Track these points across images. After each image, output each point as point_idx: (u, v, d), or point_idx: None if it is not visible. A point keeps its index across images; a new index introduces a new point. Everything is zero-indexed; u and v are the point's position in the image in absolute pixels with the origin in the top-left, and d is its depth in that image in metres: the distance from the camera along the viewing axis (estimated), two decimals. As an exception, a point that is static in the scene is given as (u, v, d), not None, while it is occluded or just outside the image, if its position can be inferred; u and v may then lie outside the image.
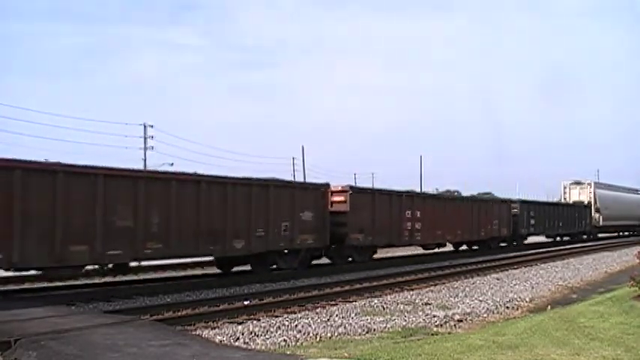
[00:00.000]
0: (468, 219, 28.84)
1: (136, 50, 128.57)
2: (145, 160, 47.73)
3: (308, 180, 51.50)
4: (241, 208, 16.88)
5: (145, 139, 48.77)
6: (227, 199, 16.54)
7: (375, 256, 23.44)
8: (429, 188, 56.90)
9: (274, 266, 18.56)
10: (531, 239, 37.61)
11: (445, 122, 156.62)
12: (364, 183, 64.77)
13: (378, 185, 40.27)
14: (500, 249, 32.13)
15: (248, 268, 18.49)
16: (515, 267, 23.08)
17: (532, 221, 35.76)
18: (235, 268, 18.85)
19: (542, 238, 39.95)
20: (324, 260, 21.63)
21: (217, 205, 16.21)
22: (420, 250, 28.03)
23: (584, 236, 44.32)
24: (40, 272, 14.23)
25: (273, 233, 17.86)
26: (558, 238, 41.75)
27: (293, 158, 62.40)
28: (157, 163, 45.16)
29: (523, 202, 35.75)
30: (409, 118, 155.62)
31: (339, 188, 21.05)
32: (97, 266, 14.83)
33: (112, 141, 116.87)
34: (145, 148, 48.73)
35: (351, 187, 21.66)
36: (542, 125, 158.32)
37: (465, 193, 36.30)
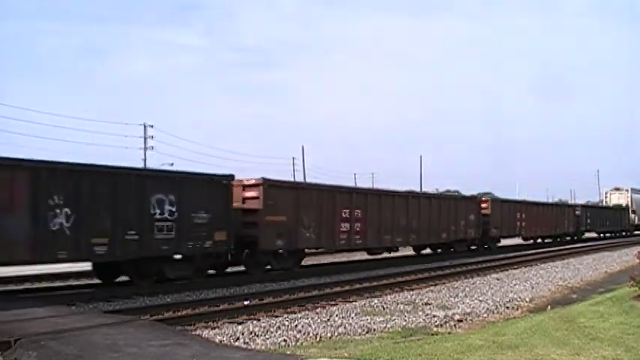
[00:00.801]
0: (550, 219, 39.33)
1: (136, 50, 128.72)
2: (144, 160, 47.74)
3: (308, 180, 51.69)
4: (445, 213, 27.12)
5: (145, 139, 48.71)
6: (440, 208, 26.97)
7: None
8: (429, 188, 57.29)
9: (451, 249, 28.70)
10: (586, 235, 47.53)
11: (445, 122, 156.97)
12: (364, 183, 65.23)
13: (377, 185, 41.71)
14: (567, 242, 40.98)
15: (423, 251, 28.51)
16: (515, 267, 23.08)
17: (588, 220, 46.26)
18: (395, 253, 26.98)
19: (593, 234, 49.47)
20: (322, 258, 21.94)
21: (434, 211, 26.30)
22: (519, 241, 37.73)
23: (623, 233, 54.10)
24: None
25: (458, 229, 28.20)
26: (602, 235, 51.28)
27: (293, 158, 62.48)
28: (157, 163, 45.19)
29: (583, 206, 48.71)
30: (409, 118, 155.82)
31: (484, 199, 32.70)
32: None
33: (112, 141, 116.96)
34: (145, 148, 48.69)
35: (492, 198, 33.92)
36: (542, 125, 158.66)
37: (465, 193, 37.35)
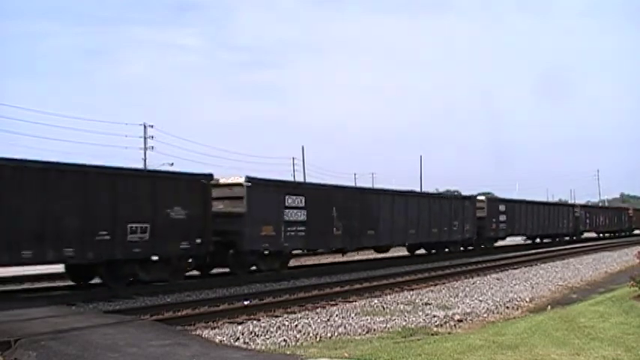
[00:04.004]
0: (612, 219, 51.98)
1: (136, 50, 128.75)
2: (145, 160, 47.68)
3: (308, 180, 51.58)
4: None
5: (145, 139, 48.62)
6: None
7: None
8: (430, 188, 57.25)
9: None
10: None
11: (445, 123, 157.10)
12: (364, 183, 65.27)
13: (377, 185, 41.81)
14: (623, 237, 51.25)
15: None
16: (515, 267, 23.07)
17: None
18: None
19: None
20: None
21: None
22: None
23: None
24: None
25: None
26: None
27: (293, 158, 62.37)
28: (157, 163, 45.13)
29: (635, 210, 60.76)
30: (409, 118, 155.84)
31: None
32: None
33: (112, 141, 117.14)
34: (145, 148, 48.61)
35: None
36: (542, 125, 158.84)
37: (464, 193, 37.24)
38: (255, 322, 11.36)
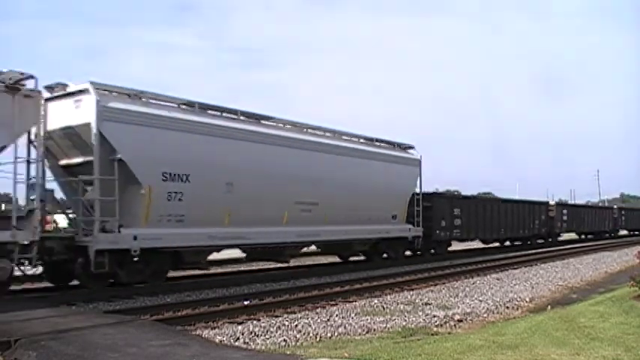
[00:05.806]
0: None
1: (136, 50, 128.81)
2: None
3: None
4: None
5: (145, 139, 48.66)
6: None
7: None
8: (430, 188, 57.31)
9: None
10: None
11: (445, 122, 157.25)
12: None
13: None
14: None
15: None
16: (515, 267, 23.08)
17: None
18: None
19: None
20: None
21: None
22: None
23: None
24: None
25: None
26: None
27: (293, 158, 62.28)
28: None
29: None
30: (409, 117, 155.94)
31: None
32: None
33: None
34: (145, 148, 48.65)
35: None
36: (542, 125, 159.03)
37: (465, 193, 37.65)
38: (255, 322, 11.36)
